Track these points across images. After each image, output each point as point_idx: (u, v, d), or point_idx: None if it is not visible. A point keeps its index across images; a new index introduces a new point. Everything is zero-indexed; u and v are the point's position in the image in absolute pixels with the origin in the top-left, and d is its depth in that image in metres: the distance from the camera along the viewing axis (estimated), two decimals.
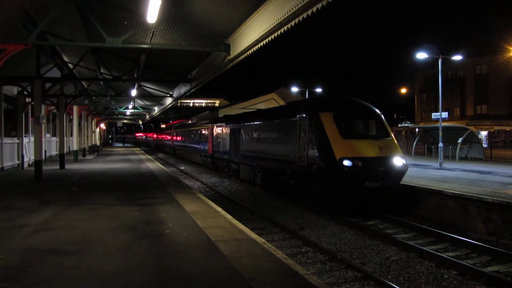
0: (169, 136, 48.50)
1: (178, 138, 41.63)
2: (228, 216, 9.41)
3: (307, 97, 49.36)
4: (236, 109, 40.40)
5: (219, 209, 10.33)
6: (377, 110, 13.64)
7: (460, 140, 26.74)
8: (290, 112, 14.95)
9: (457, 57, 26.58)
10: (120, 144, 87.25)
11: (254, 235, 7.70)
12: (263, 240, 7.39)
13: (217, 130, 24.83)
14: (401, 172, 12.56)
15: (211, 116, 44.13)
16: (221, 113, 45.08)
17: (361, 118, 13.27)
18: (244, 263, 5.96)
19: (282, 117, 15.80)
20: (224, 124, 23.46)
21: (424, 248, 9.18)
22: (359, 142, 12.41)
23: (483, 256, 8.97)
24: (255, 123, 18.60)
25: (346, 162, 11.76)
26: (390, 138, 13.02)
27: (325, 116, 12.69)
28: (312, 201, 13.42)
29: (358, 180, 11.89)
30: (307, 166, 12.86)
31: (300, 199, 14.28)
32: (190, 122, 47.76)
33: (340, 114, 12.86)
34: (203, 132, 28.98)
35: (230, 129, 21.87)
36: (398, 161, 12.39)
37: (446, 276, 7.67)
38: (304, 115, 13.46)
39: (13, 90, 22.66)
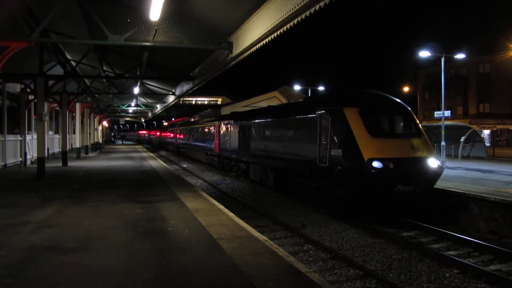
0: (172, 134, 47.80)
1: (182, 136, 40.69)
2: (230, 214, 9.43)
3: (309, 95, 49.39)
4: (238, 107, 40.41)
5: (221, 206, 10.35)
6: (406, 105, 12.48)
7: (462, 139, 26.68)
8: (309, 108, 13.70)
9: (460, 56, 26.53)
10: (120, 142, 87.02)
11: (256, 233, 7.72)
12: (265, 238, 7.41)
13: (225, 127, 23.63)
14: (436, 175, 11.36)
15: (217, 113, 44.03)
16: (223, 111, 45.06)
17: (390, 114, 12.05)
18: (246, 261, 5.97)
19: (300, 113, 14.41)
20: (232, 121, 22.25)
21: (426, 247, 9.18)
22: (389, 141, 11.27)
23: (485, 255, 8.96)
24: (268, 120, 17.34)
25: (376, 164, 10.56)
26: (422, 137, 11.75)
27: (350, 111, 11.46)
28: (334, 206, 12.27)
29: (389, 184, 10.70)
30: (329, 168, 11.68)
31: (318, 202, 13.21)
32: (194, 119, 47.09)
33: (367, 109, 11.59)
34: (209, 129, 27.87)
35: (239, 126, 20.69)
36: (432, 162, 11.16)
37: (447, 275, 7.67)
38: (325, 111, 12.19)
39: (16, 87, 22.72)
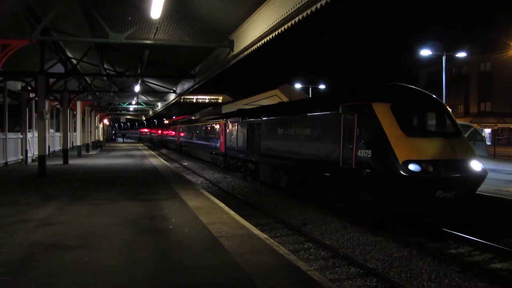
0: (175, 132, 46.96)
1: (186, 134, 39.47)
2: (231, 212, 9.44)
3: (310, 94, 49.40)
4: (239, 105, 40.31)
5: (222, 204, 10.36)
6: (441, 100, 11.28)
7: None
8: (330, 103, 12.45)
9: (461, 54, 26.55)
10: (121, 140, 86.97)
11: (257, 231, 7.73)
12: (266, 236, 7.42)
13: (231, 125, 22.31)
14: (480, 179, 10.11)
15: (218, 111, 43.82)
16: (224, 109, 45.06)
17: (426, 110, 10.90)
18: (247, 259, 5.98)
19: (319, 109, 13.07)
20: (239, 119, 20.85)
21: (426, 245, 9.18)
22: (426, 141, 9.99)
23: (486, 254, 8.96)
24: (281, 117, 16.06)
25: (413, 167, 9.34)
26: (462, 137, 10.65)
27: (381, 107, 10.21)
28: (359, 212, 11.07)
29: (427, 189, 9.53)
30: (355, 170, 10.47)
31: (339, 208, 12.11)
32: (198, 117, 46.51)
33: (400, 104, 10.34)
34: (214, 127, 26.61)
35: (248, 124, 19.34)
36: (476, 165, 9.92)
37: (448, 274, 7.67)
38: (350, 106, 10.96)
39: (17, 85, 22.72)
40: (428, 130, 10.76)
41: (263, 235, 7.42)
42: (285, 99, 44.40)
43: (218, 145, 25.32)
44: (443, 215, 10.12)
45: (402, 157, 9.44)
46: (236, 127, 21.27)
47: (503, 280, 7.29)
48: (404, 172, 9.34)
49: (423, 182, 9.45)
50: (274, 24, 10.77)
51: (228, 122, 23.05)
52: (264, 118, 17.56)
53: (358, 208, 11.02)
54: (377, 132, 10.01)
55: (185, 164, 30.86)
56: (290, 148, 14.60)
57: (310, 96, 47.26)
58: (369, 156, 10.09)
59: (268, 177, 17.23)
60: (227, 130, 23.09)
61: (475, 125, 31.43)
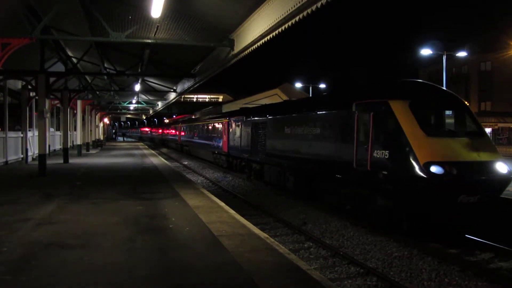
0: (176, 131, 46.56)
1: (187, 134, 38.82)
2: (231, 211, 9.45)
3: (310, 93, 49.40)
4: (239, 104, 40.27)
5: (222, 204, 10.36)
6: (461, 98, 10.69)
7: None
8: (342, 101, 11.89)
9: (462, 54, 26.51)
10: (121, 139, 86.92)
11: (257, 230, 7.73)
12: (266, 235, 7.42)
13: (235, 124, 21.64)
14: (505, 182, 9.45)
15: (218, 110, 43.75)
16: (224, 109, 45.08)
17: (446, 108, 10.28)
18: (247, 258, 5.98)
19: (330, 107, 12.42)
20: (243, 117, 20.21)
21: (426, 245, 9.18)
22: (449, 142, 9.40)
23: (486, 253, 8.95)
24: (288, 116, 15.42)
25: (435, 169, 8.73)
26: (486, 136, 10.04)
27: (398, 105, 9.61)
28: (374, 217, 10.42)
29: (451, 193, 8.94)
30: (370, 172, 9.90)
31: (351, 212, 11.49)
32: (200, 116, 46.35)
33: (419, 102, 9.74)
34: (217, 127, 25.97)
35: (252, 123, 18.70)
36: (501, 167, 9.31)
37: (448, 273, 7.67)
38: (365, 104, 10.39)
39: (17, 84, 22.73)
40: (450, 130, 10.11)
41: (263, 234, 7.43)
42: (285, 98, 44.38)
43: (220, 144, 24.79)
44: (466, 220, 9.51)
45: (423, 158, 8.88)
46: (240, 126, 20.65)
47: (503, 279, 7.29)
48: (425, 175, 8.77)
49: (446, 185, 8.82)
50: (274, 23, 10.77)
51: (231, 121, 22.41)
52: (270, 117, 16.98)
53: (371, 212, 10.45)
54: (395, 132, 9.45)
55: (185, 163, 30.87)
56: (298, 148, 14.02)
57: (311, 95, 47.28)
58: (386, 157, 9.51)
59: (273, 178, 16.65)
60: (230, 130, 22.49)
61: None
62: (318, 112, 13.05)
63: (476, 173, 9.04)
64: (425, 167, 8.77)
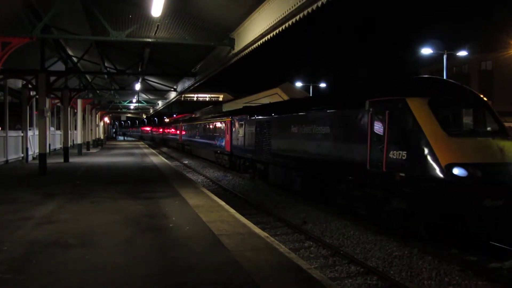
0: (176, 130, 46.30)
1: (188, 133, 38.49)
2: (232, 210, 9.45)
3: (311, 93, 49.36)
4: (240, 104, 40.23)
5: (222, 203, 10.36)
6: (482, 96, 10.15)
7: None
8: (354, 98, 11.37)
9: (462, 53, 26.48)
10: (122, 138, 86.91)
11: (257, 229, 7.73)
12: (266, 234, 7.42)
13: (238, 124, 21.17)
14: None
15: (219, 109, 43.64)
16: (225, 108, 45.00)
17: (467, 107, 9.65)
18: (247, 257, 5.98)
19: (341, 105, 11.97)
20: (247, 116, 19.76)
21: (427, 244, 9.17)
22: (472, 142, 8.89)
23: (486, 253, 8.93)
24: (295, 114, 14.84)
25: (457, 171, 8.26)
26: (509, 136, 9.41)
27: (417, 102, 9.10)
28: (390, 221, 9.90)
29: (474, 196, 8.30)
30: (386, 174, 9.42)
31: (363, 215, 10.92)
32: (201, 115, 45.93)
33: (438, 100, 9.18)
34: (219, 126, 25.56)
35: (257, 122, 18.22)
36: None
37: (448, 272, 7.67)
38: (380, 102, 9.87)
39: (18, 83, 22.74)
40: (472, 129, 9.49)
41: (263, 234, 7.43)
42: (285, 97, 44.39)
43: (223, 144, 24.32)
44: (490, 226, 8.84)
45: (445, 160, 8.39)
46: (244, 126, 20.14)
47: (503, 279, 7.29)
48: (447, 177, 8.28)
49: (470, 188, 8.28)
50: (275, 22, 10.75)
51: (235, 120, 21.95)
52: (275, 116, 16.48)
53: (386, 215, 9.94)
54: (414, 131, 8.95)
55: (186, 162, 30.87)
56: (305, 148, 13.50)
57: (311, 95, 47.26)
58: (404, 158, 9.02)
59: (279, 179, 16.16)
60: (233, 129, 22.00)
61: None
62: (328, 111, 12.53)
63: (501, 175, 8.48)
64: (446, 169, 8.32)
